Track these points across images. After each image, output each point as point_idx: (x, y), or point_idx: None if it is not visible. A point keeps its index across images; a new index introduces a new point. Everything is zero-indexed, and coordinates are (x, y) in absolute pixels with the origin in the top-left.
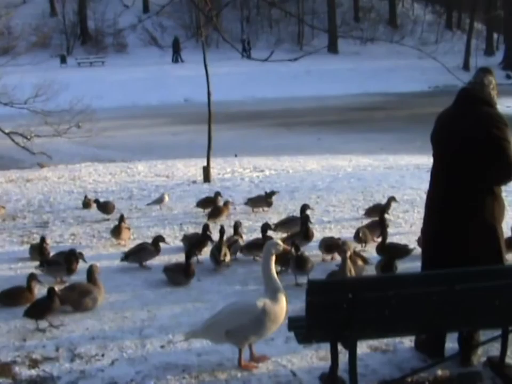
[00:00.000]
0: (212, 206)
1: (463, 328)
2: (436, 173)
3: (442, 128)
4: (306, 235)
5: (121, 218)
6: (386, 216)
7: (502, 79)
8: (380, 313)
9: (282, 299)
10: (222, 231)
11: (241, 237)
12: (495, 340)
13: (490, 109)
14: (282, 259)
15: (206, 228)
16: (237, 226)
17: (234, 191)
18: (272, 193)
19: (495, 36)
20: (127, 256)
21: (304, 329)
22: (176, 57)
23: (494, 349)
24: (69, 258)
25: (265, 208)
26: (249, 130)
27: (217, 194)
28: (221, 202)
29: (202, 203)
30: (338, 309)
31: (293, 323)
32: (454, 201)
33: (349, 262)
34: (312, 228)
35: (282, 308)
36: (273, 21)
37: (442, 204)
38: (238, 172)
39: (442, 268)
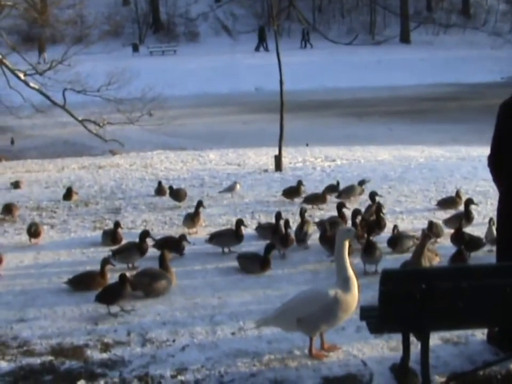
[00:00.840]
0: (296, 195)
1: None
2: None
3: None
4: (379, 225)
5: (200, 204)
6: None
7: None
8: (453, 305)
9: (355, 288)
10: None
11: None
12: None
13: None
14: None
15: (278, 216)
16: (302, 212)
17: (306, 180)
18: (363, 181)
19: None
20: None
21: (376, 319)
22: (262, 45)
23: None
24: (143, 239)
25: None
26: (320, 119)
27: (300, 183)
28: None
29: (288, 193)
30: (411, 299)
31: (365, 313)
32: None
33: (426, 251)
34: (384, 218)
35: (354, 297)
36: (345, 10)
37: None
38: (310, 161)
39: None
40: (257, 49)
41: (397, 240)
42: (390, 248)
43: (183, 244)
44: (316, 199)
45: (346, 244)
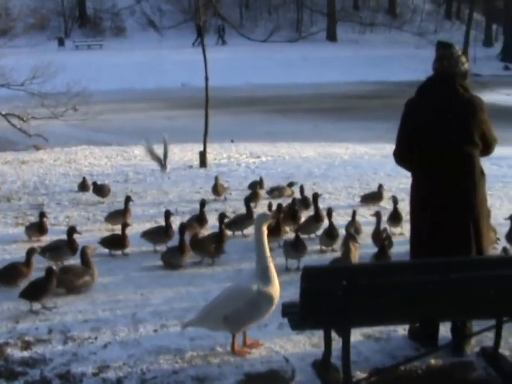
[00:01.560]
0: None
1: (457, 318)
2: (425, 160)
3: (421, 115)
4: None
5: (128, 200)
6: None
7: (500, 70)
8: (374, 301)
9: (275, 278)
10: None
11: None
12: (488, 330)
13: (468, 93)
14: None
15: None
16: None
17: (230, 176)
18: (292, 183)
19: (494, 27)
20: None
21: (297, 315)
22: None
23: (487, 339)
24: (70, 236)
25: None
26: (246, 116)
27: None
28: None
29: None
30: (333, 296)
31: (287, 309)
32: (449, 184)
33: (352, 248)
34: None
35: (275, 287)
36: (272, 7)
37: (435, 191)
38: (234, 158)
39: (436, 253)
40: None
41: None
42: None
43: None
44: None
45: (265, 228)
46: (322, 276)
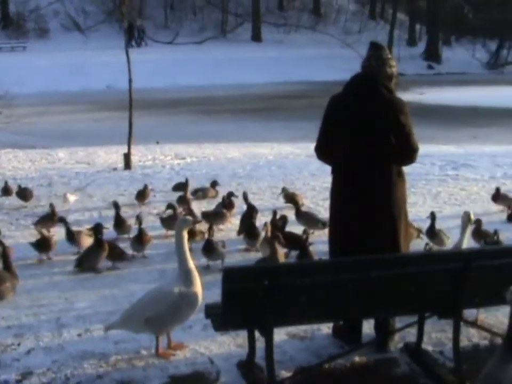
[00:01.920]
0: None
1: (379, 315)
2: (340, 157)
3: (341, 112)
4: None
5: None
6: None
7: (423, 69)
8: (296, 300)
9: (197, 281)
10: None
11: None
12: (411, 326)
13: (391, 94)
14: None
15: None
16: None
17: (155, 178)
18: (215, 183)
19: (418, 26)
20: None
21: (220, 316)
22: (132, 41)
23: (410, 335)
24: None
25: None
26: (172, 117)
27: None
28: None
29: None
30: (254, 296)
31: (210, 310)
32: (365, 183)
33: (278, 247)
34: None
35: (197, 290)
36: (197, 8)
37: (352, 188)
38: (159, 159)
39: (354, 253)
40: (128, 45)
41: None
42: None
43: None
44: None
45: (185, 233)
46: (244, 277)
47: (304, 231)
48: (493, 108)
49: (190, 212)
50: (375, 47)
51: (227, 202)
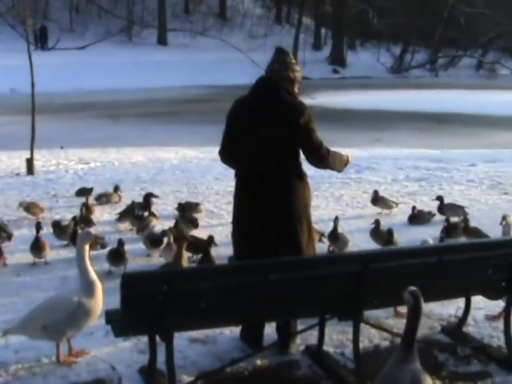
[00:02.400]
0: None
1: (280, 318)
2: (244, 160)
3: (243, 116)
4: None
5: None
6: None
7: (329, 73)
8: (196, 305)
9: (97, 292)
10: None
11: None
12: (312, 328)
13: (293, 98)
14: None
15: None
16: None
17: (58, 183)
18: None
19: (323, 31)
20: None
21: (120, 322)
22: (41, 44)
23: (312, 337)
24: None
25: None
26: (77, 121)
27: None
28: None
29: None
30: (154, 301)
31: (110, 316)
32: (265, 187)
33: (184, 253)
34: None
35: (97, 301)
36: (102, 12)
37: (254, 191)
38: (63, 164)
39: (256, 255)
40: (41, 48)
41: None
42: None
43: None
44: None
45: (87, 247)
46: (142, 282)
47: (209, 237)
48: (397, 111)
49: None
50: (279, 52)
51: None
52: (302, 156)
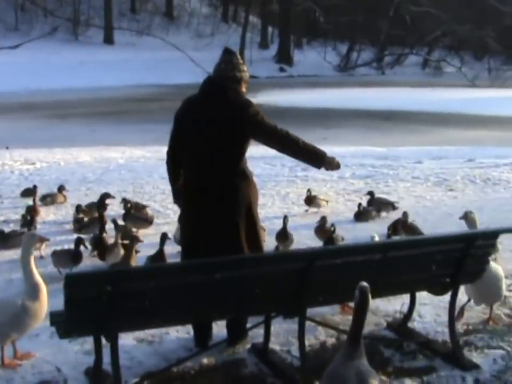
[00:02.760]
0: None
1: (226, 316)
2: (189, 159)
3: (190, 115)
4: None
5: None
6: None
7: (275, 71)
8: (141, 305)
9: (42, 294)
10: None
11: None
12: (258, 326)
13: (239, 96)
14: None
15: None
16: None
17: (3, 184)
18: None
19: (270, 29)
20: None
21: (64, 323)
22: None
23: (259, 335)
24: None
25: None
26: (23, 121)
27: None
28: None
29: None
30: (98, 301)
31: (54, 318)
32: (209, 186)
33: (133, 253)
34: None
35: (41, 303)
36: (48, 11)
37: (199, 190)
38: (8, 165)
39: (202, 254)
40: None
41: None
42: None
43: None
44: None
45: (32, 250)
46: (86, 282)
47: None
48: (343, 109)
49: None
50: (226, 53)
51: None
52: (248, 155)
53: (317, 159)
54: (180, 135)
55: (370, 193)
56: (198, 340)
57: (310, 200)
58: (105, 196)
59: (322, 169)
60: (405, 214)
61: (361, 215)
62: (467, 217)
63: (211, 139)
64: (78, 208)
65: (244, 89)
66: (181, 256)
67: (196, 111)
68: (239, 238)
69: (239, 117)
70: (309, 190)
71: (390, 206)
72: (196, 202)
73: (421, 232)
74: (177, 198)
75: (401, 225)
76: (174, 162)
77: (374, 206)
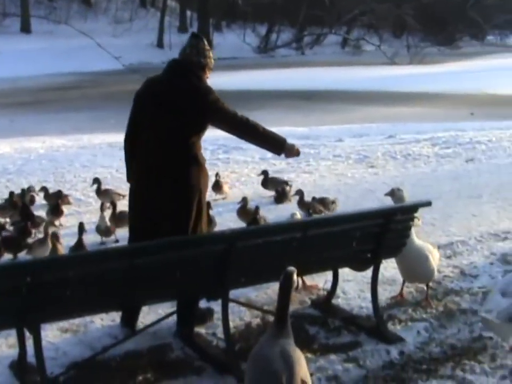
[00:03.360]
0: None
1: (148, 302)
2: (145, 139)
3: (150, 97)
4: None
5: None
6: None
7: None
8: (62, 295)
9: None
10: None
11: None
12: (171, 315)
13: (201, 83)
14: None
15: None
16: None
17: None
18: None
19: (189, 13)
20: None
21: None
22: None
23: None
24: None
25: None
26: None
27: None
28: None
29: None
30: (18, 293)
31: None
32: (161, 168)
33: (59, 245)
34: None
35: None
36: None
37: (150, 170)
38: None
39: (149, 235)
40: None
41: None
42: None
43: None
44: None
45: None
46: (4, 274)
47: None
48: (265, 90)
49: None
50: (192, 37)
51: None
52: (202, 141)
53: (277, 145)
54: (139, 115)
55: (264, 172)
56: (123, 326)
57: (266, 181)
58: (27, 190)
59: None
60: (298, 192)
61: (281, 196)
62: (394, 194)
63: (170, 122)
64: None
65: (207, 75)
66: (128, 238)
67: (157, 93)
68: (187, 222)
69: (199, 103)
70: (264, 172)
71: (284, 184)
72: (146, 183)
73: (321, 209)
74: (130, 178)
75: (298, 203)
76: (131, 142)
77: (269, 185)
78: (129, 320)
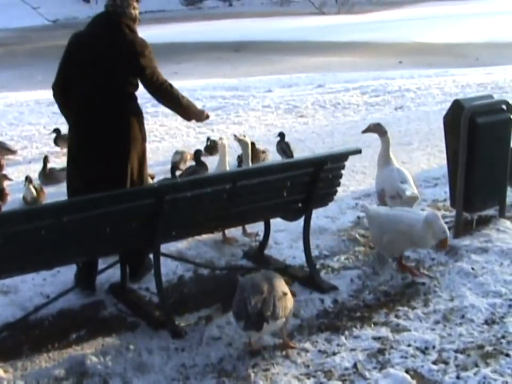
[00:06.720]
0: None
1: (80, 259)
2: (79, 92)
3: (82, 50)
4: None
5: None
6: None
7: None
8: None
9: None
10: None
11: None
12: (114, 266)
13: (133, 34)
14: None
15: None
16: None
17: None
18: None
19: None
20: None
21: None
22: None
23: (115, 276)
24: None
25: None
26: None
27: None
28: None
29: None
30: None
31: None
32: (100, 122)
33: None
34: None
35: None
36: None
37: (86, 123)
38: None
39: (86, 187)
40: None
41: None
42: None
43: None
44: None
45: None
46: None
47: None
48: (193, 43)
49: None
50: None
51: None
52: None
53: (192, 116)
54: (70, 68)
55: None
56: (83, 283)
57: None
58: None
59: None
60: (252, 143)
61: (211, 149)
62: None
63: (104, 74)
64: None
65: (135, 27)
66: (67, 191)
67: (89, 45)
68: (125, 175)
69: (134, 57)
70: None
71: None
72: (83, 135)
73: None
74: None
75: None
76: (62, 96)
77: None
78: (87, 279)
